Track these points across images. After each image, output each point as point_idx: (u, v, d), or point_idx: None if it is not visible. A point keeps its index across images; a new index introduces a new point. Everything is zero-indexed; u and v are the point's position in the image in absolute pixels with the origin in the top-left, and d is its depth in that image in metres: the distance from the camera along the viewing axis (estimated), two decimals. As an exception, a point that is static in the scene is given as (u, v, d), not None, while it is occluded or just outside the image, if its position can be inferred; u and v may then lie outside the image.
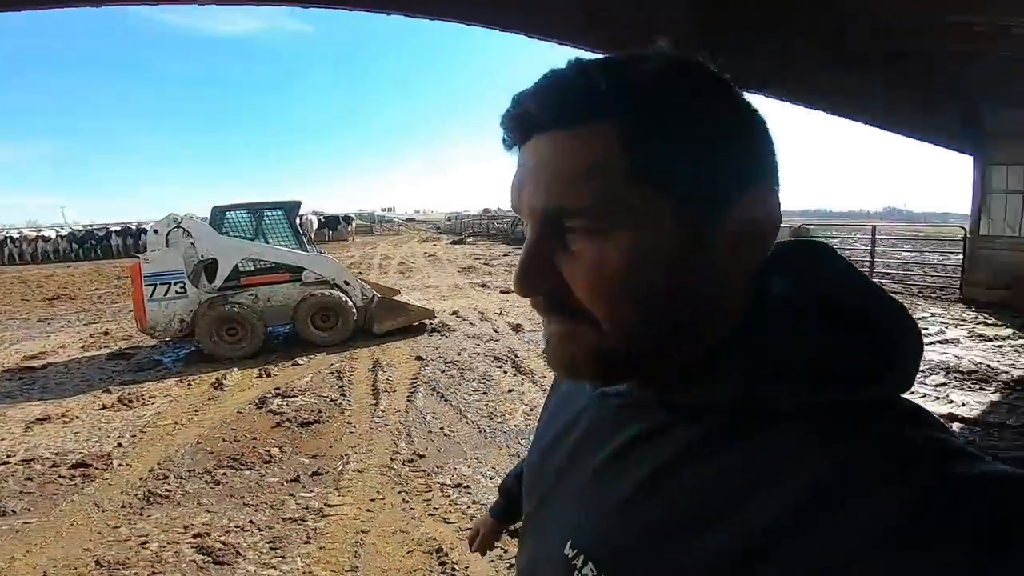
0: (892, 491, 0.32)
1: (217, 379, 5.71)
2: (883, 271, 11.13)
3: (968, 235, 9.30)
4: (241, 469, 3.76)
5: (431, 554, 2.79)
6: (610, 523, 0.43)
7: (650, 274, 0.39)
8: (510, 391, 5.16)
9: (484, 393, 5.12)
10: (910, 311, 0.42)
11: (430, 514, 3.17)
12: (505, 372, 5.71)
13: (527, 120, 0.41)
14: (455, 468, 3.70)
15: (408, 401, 4.95)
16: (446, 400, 4.95)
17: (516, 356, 6.16)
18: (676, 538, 0.38)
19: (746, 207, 0.40)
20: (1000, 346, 6.14)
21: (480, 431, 4.28)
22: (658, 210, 0.39)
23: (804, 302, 0.42)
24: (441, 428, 4.35)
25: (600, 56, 0.41)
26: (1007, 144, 8.16)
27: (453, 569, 2.67)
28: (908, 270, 11.55)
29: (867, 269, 10.28)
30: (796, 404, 0.37)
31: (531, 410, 4.62)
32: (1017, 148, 7.82)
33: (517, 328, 7.48)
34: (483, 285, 11.56)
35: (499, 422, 4.43)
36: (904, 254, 13.89)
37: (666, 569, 0.38)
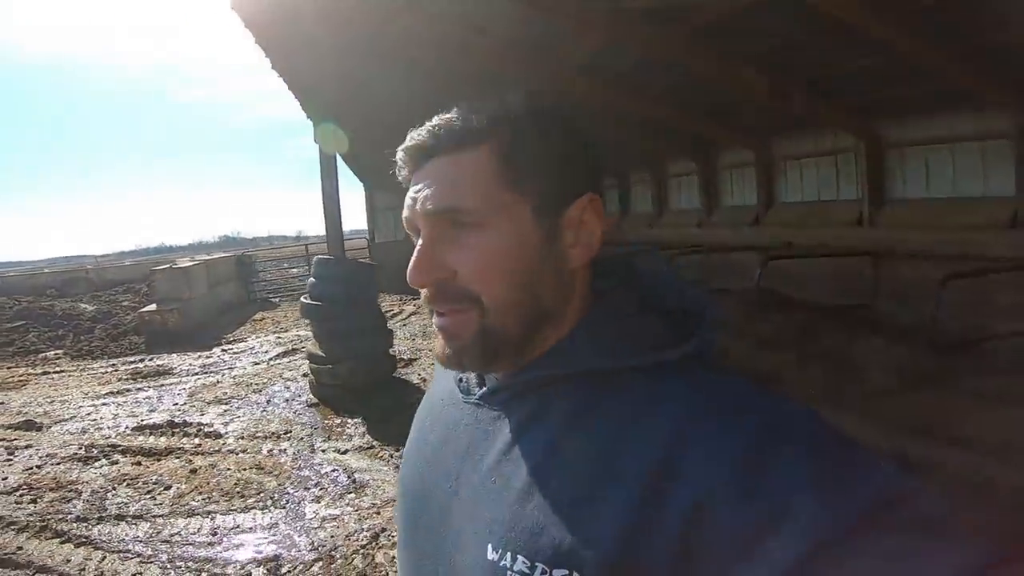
0: (733, 421, 0.42)
1: None
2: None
3: (369, 244, 14.93)
4: None
5: None
6: (522, 513, 0.46)
7: (520, 258, 0.50)
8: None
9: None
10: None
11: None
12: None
13: (423, 149, 0.52)
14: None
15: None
16: None
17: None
18: (584, 503, 0.43)
19: (579, 209, 0.52)
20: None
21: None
22: (523, 209, 0.51)
23: (630, 294, 0.55)
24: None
25: (464, 102, 0.54)
26: (380, 173, 9.12)
27: None
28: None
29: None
30: (635, 364, 0.48)
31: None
32: (388, 177, 9.01)
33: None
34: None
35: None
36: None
37: (586, 533, 0.43)
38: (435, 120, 0.53)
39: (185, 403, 5.81)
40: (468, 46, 5.67)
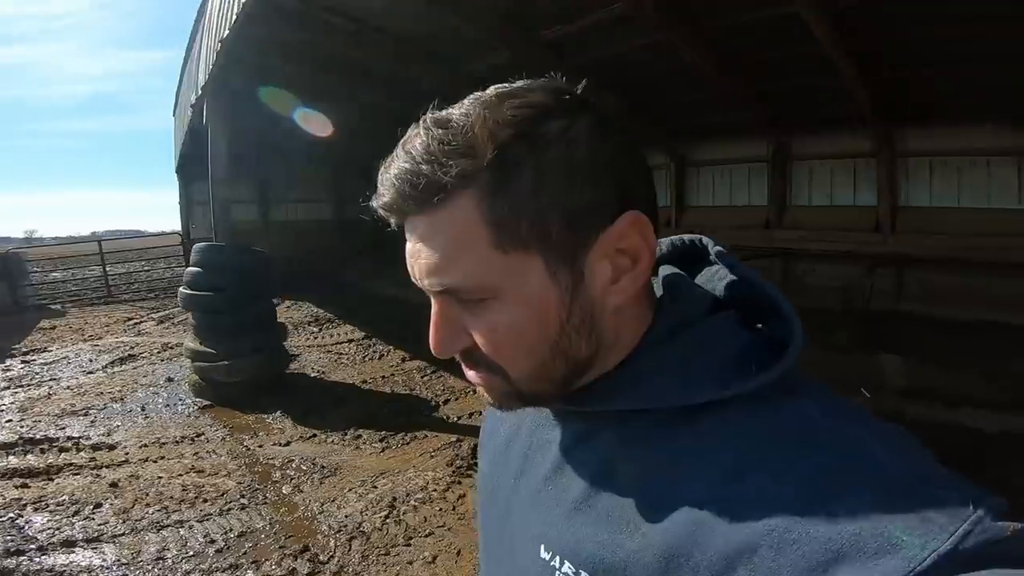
0: (788, 459, 0.37)
1: None
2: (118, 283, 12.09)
3: (183, 242, 12.47)
4: None
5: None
6: (571, 524, 0.46)
7: (540, 326, 0.43)
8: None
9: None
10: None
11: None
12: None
13: (393, 210, 0.43)
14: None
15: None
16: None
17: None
18: (632, 532, 0.41)
19: (611, 240, 0.42)
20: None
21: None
22: (531, 269, 0.41)
23: (701, 306, 0.47)
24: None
25: (433, 128, 0.41)
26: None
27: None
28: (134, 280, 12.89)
29: (104, 286, 11.53)
30: (708, 399, 0.41)
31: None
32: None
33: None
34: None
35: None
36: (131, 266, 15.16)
37: (628, 556, 0.41)
38: (396, 164, 0.42)
39: (24, 419, 4.55)
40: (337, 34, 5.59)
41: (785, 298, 0.45)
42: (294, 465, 3.82)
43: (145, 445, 4.10)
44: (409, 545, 2.95)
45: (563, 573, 0.45)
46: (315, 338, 7.51)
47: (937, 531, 0.32)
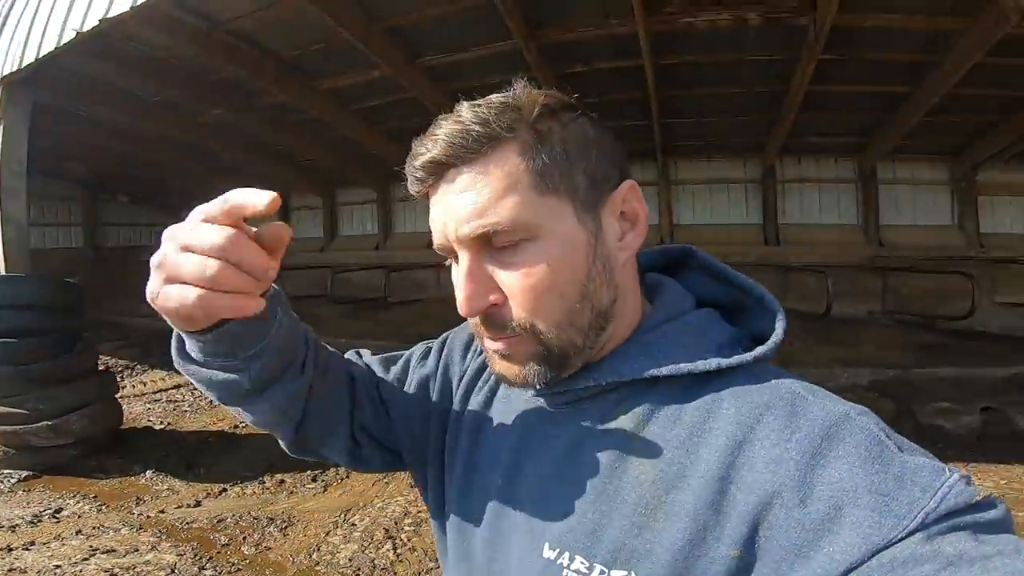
0: (788, 426, 0.42)
1: None
2: None
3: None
4: None
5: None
6: (583, 515, 0.47)
7: (573, 268, 0.48)
8: None
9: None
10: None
11: None
12: None
13: (441, 162, 0.47)
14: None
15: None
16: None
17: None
18: (654, 509, 0.44)
19: (618, 202, 0.50)
20: None
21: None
22: (565, 210, 0.48)
23: (683, 290, 0.55)
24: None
25: (477, 104, 0.48)
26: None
27: None
28: None
29: None
30: (696, 371, 0.47)
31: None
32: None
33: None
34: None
35: None
36: None
37: (647, 538, 0.43)
38: (445, 126, 0.47)
39: None
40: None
41: (768, 292, 0.52)
42: (230, 523, 3.19)
43: None
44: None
45: (573, 571, 0.46)
46: (131, 387, 5.96)
47: (920, 492, 0.36)
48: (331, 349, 0.68)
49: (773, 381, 0.47)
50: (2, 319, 3.76)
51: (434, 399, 0.66)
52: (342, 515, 3.31)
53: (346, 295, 9.32)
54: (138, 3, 3.58)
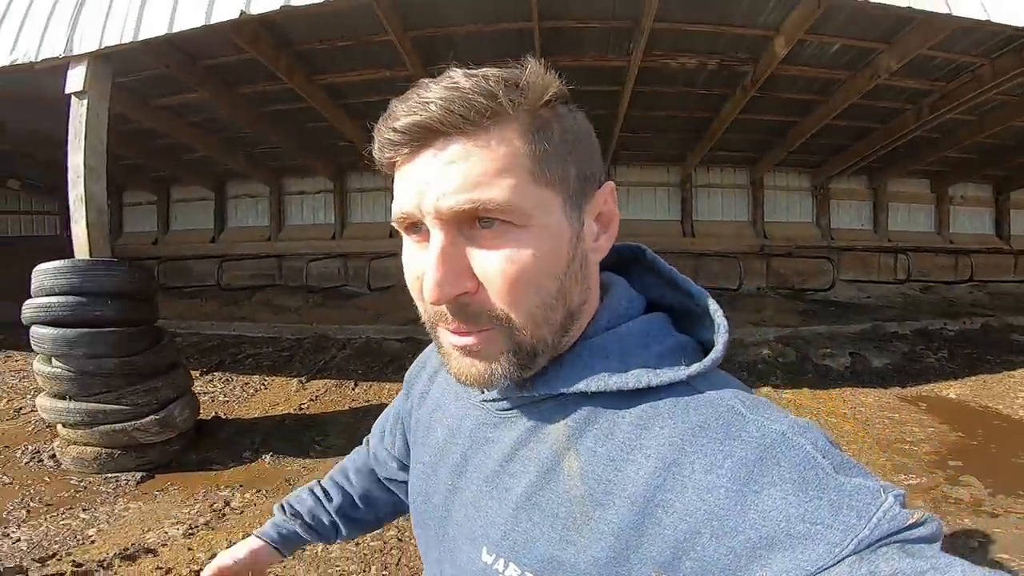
0: (722, 449, 0.41)
1: None
2: None
3: None
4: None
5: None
6: (516, 524, 0.47)
7: (555, 262, 0.45)
8: None
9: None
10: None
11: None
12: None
13: (433, 128, 0.43)
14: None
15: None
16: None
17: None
18: (580, 526, 0.43)
19: (599, 202, 0.49)
20: None
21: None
22: (553, 205, 0.45)
23: (634, 294, 0.53)
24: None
25: (478, 73, 0.44)
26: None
27: None
28: None
29: None
30: (635, 387, 0.45)
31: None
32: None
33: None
34: None
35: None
36: None
37: (573, 553, 0.43)
38: (437, 90, 0.43)
39: None
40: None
41: (714, 301, 0.50)
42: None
43: (149, 545, 3.07)
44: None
45: None
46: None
47: (855, 518, 0.36)
48: (350, 468, 0.87)
49: (712, 395, 0.45)
50: (102, 308, 3.61)
51: (409, 426, 0.70)
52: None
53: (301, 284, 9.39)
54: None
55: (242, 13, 3.69)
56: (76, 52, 4.03)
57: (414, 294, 0.48)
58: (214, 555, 0.80)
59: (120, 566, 2.62)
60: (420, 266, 0.46)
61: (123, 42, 3.90)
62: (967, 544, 2.77)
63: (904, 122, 7.12)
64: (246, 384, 5.62)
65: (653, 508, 0.41)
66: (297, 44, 5.62)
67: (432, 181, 0.43)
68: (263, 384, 5.63)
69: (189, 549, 2.78)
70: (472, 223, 0.44)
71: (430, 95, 0.43)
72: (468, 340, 0.46)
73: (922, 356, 6.48)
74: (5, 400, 5.18)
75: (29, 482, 3.50)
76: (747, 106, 6.69)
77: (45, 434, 4.21)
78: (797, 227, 9.50)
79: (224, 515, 3.20)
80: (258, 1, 3.70)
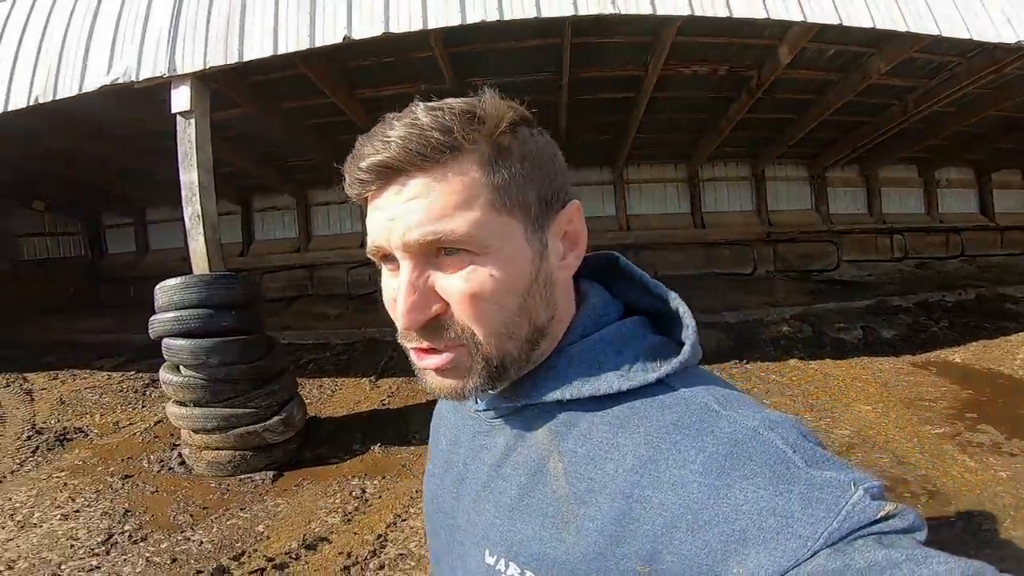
0: (694, 445, 0.43)
1: None
2: None
3: None
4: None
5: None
6: (511, 525, 0.49)
7: (516, 285, 0.48)
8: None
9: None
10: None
11: None
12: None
13: (388, 166, 0.45)
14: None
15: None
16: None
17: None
18: (567, 523, 0.46)
19: (563, 222, 0.51)
20: None
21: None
22: (514, 232, 0.48)
23: (610, 301, 0.55)
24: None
25: (436, 107, 0.46)
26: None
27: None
28: None
29: None
30: (613, 391, 0.48)
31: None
32: None
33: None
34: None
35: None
36: None
37: (563, 550, 0.45)
38: (399, 129, 0.46)
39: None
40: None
41: (684, 303, 0.52)
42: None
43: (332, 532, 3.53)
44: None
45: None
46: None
47: (824, 512, 0.37)
48: None
49: (686, 393, 0.47)
50: (227, 319, 4.03)
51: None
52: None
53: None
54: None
55: (345, 38, 4.02)
56: (180, 72, 4.17)
57: (391, 315, 0.50)
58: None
59: (307, 556, 2.94)
60: (394, 292, 0.49)
61: (229, 63, 4.13)
62: (996, 477, 3.34)
63: (892, 116, 7.77)
64: (320, 386, 6.04)
65: (632, 504, 0.43)
66: (343, 61, 5.96)
67: (397, 217, 0.46)
68: (336, 386, 6.06)
69: (355, 533, 3.16)
70: (437, 252, 0.47)
71: (392, 134, 0.45)
72: (435, 361, 0.49)
73: (926, 326, 7.10)
74: (99, 415, 5.52)
75: (173, 489, 3.79)
76: (751, 106, 7.26)
77: (156, 444, 4.57)
78: (799, 214, 10.16)
79: (368, 501, 3.57)
80: (348, 31, 4.05)
